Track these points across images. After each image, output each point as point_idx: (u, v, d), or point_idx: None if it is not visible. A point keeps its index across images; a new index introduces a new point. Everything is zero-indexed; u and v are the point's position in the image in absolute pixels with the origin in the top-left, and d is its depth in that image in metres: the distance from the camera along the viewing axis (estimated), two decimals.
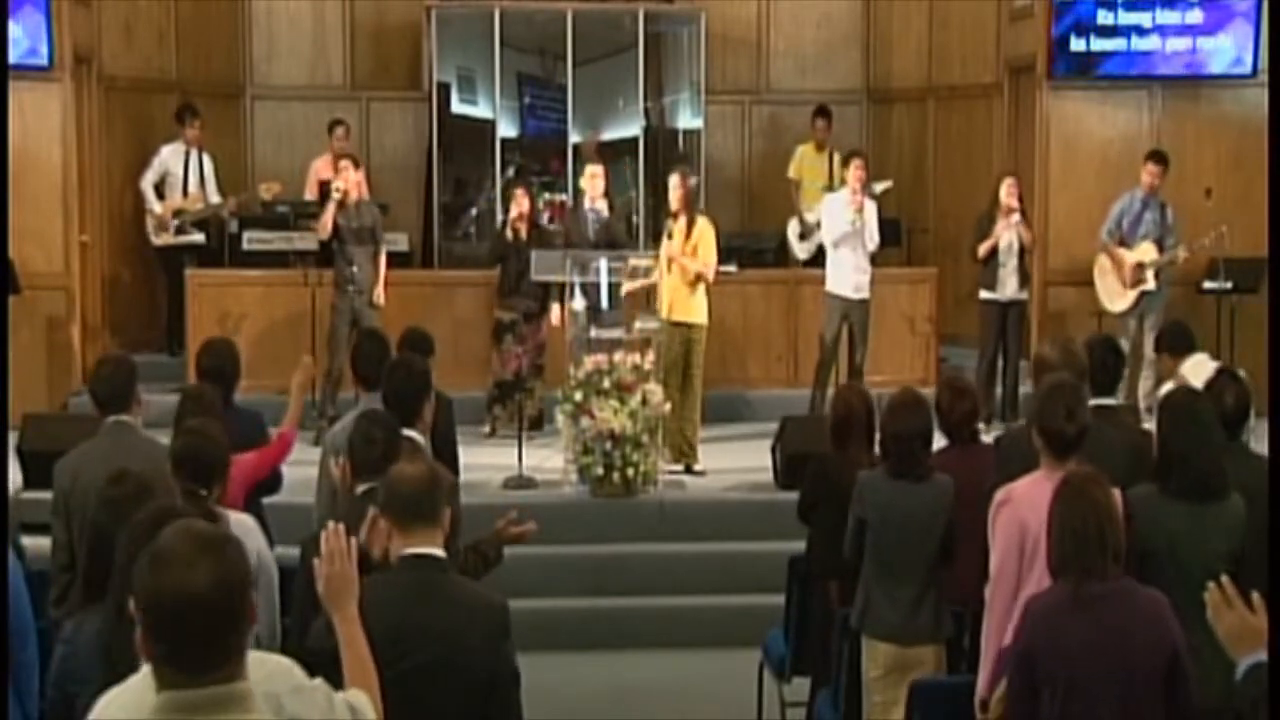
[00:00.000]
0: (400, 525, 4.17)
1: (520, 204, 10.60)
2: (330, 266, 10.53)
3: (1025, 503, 5.03)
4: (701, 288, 9.67)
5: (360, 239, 10.42)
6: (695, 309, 9.61)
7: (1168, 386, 7.19)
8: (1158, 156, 10.84)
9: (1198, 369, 7.34)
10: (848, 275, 10.40)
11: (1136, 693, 4.18)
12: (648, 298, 9.93)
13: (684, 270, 9.55)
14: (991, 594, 5.11)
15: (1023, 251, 10.89)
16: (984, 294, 11.01)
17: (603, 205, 10.70)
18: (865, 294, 10.45)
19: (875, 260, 10.65)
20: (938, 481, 5.64)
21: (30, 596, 4.74)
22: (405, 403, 5.78)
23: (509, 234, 10.61)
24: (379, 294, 10.48)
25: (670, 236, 9.65)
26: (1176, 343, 7.87)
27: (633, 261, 9.83)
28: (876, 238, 10.51)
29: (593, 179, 10.50)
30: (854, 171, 10.44)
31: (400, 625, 4.05)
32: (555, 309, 10.38)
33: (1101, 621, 4.18)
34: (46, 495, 7.45)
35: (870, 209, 10.47)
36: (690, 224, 9.63)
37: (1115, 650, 4.17)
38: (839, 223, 10.39)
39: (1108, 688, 4.18)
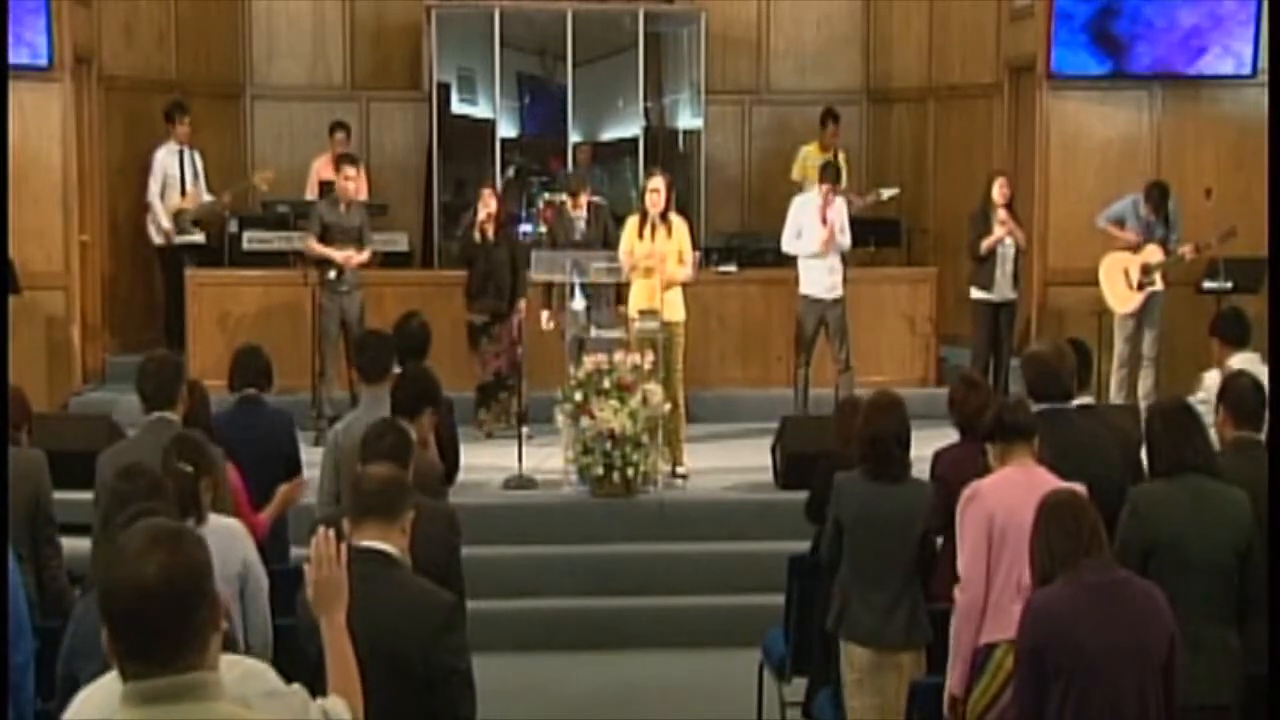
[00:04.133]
0: (355, 520, 4.23)
1: (488, 205, 10.57)
2: (318, 265, 10.51)
3: (992, 496, 5.13)
4: (679, 285, 9.63)
5: (349, 239, 10.43)
6: (675, 307, 9.57)
7: (1212, 374, 7.12)
8: (1162, 192, 10.73)
9: (1247, 367, 7.15)
10: (820, 276, 10.36)
11: (1152, 680, 4.23)
12: (619, 296, 9.85)
13: (665, 273, 9.47)
14: (962, 590, 5.15)
15: (1018, 252, 10.93)
16: (977, 293, 11.02)
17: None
18: (839, 292, 10.40)
19: (847, 260, 10.62)
20: (915, 484, 5.65)
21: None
22: (405, 408, 5.92)
23: (476, 235, 10.60)
24: (353, 254, 10.38)
25: (642, 237, 9.55)
26: (1230, 331, 7.51)
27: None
28: (847, 241, 10.48)
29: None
30: (823, 192, 10.33)
31: None
32: (522, 303, 10.37)
33: (1110, 611, 4.23)
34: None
35: (839, 209, 10.39)
36: (669, 226, 9.59)
37: (1130, 640, 4.22)
38: (807, 239, 10.33)
39: (1126, 674, 4.22)
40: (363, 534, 4.20)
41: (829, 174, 10.56)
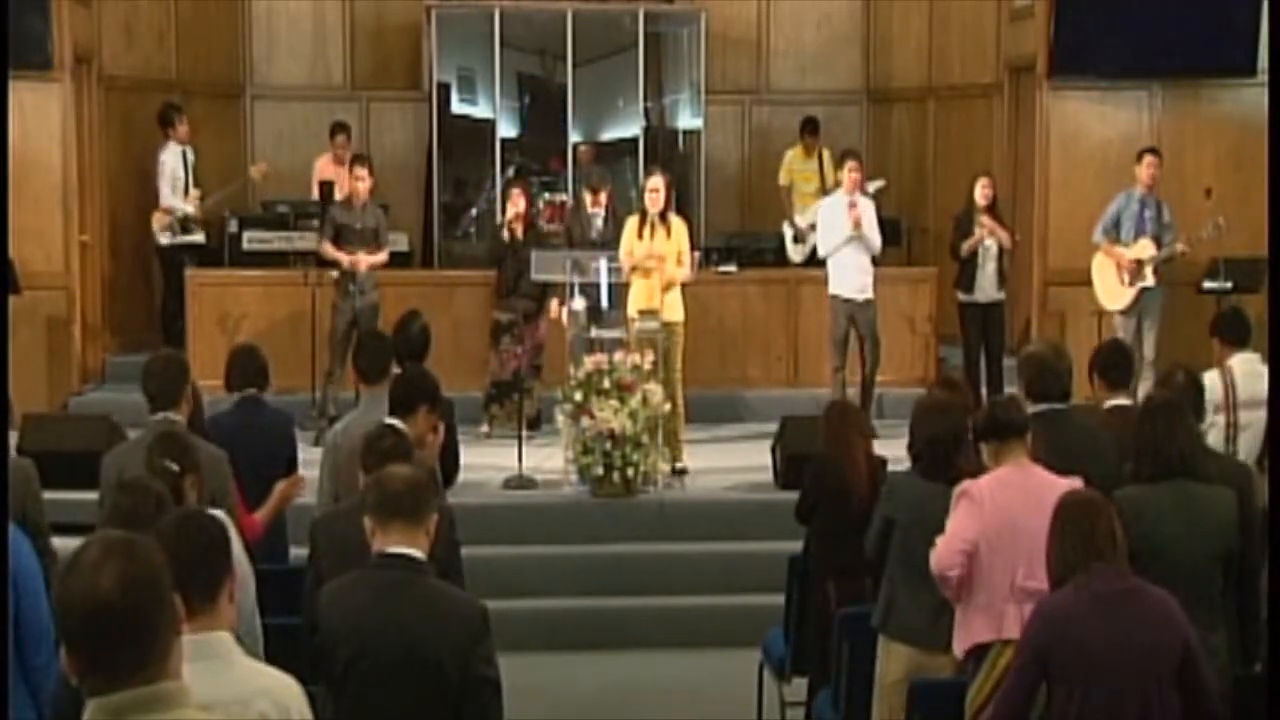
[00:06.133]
0: (380, 522, 4.16)
1: (517, 204, 10.58)
2: (331, 267, 10.51)
3: (987, 496, 5.14)
4: (679, 285, 9.63)
5: (364, 240, 10.42)
6: (675, 307, 9.56)
7: (1212, 375, 7.11)
8: (1153, 150, 10.84)
9: (1247, 368, 7.16)
10: (850, 276, 10.35)
11: (1157, 690, 4.22)
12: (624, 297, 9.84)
13: (664, 273, 9.45)
14: (935, 558, 5.21)
15: (1001, 253, 10.90)
16: (961, 296, 11.02)
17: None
18: (869, 294, 10.40)
19: (877, 260, 10.64)
20: None
21: None
22: (399, 406, 5.92)
23: (505, 235, 10.61)
24: (363, 257, 10.39)
25: (642, 236, 9.54)
26: (1231, 332, 7.43)
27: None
28: (878, 242, 10.49)
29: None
30: (849, 175, 10.41)
31: (366, 623, 4.06)
32: (554, 303, 10.38)
33: (1121, 622, 4.22)
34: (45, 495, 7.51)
35: (869, 212, 10.45)
36: (668, 226, 9.58)
37: (1137, 650, 4.21)
38: (835, 232, 10.36)
39: (1131, 686, 4.21)
40: (388, 537, 4.13)
41: (851, 155, 10.60)
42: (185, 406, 6.01)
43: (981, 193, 10.85)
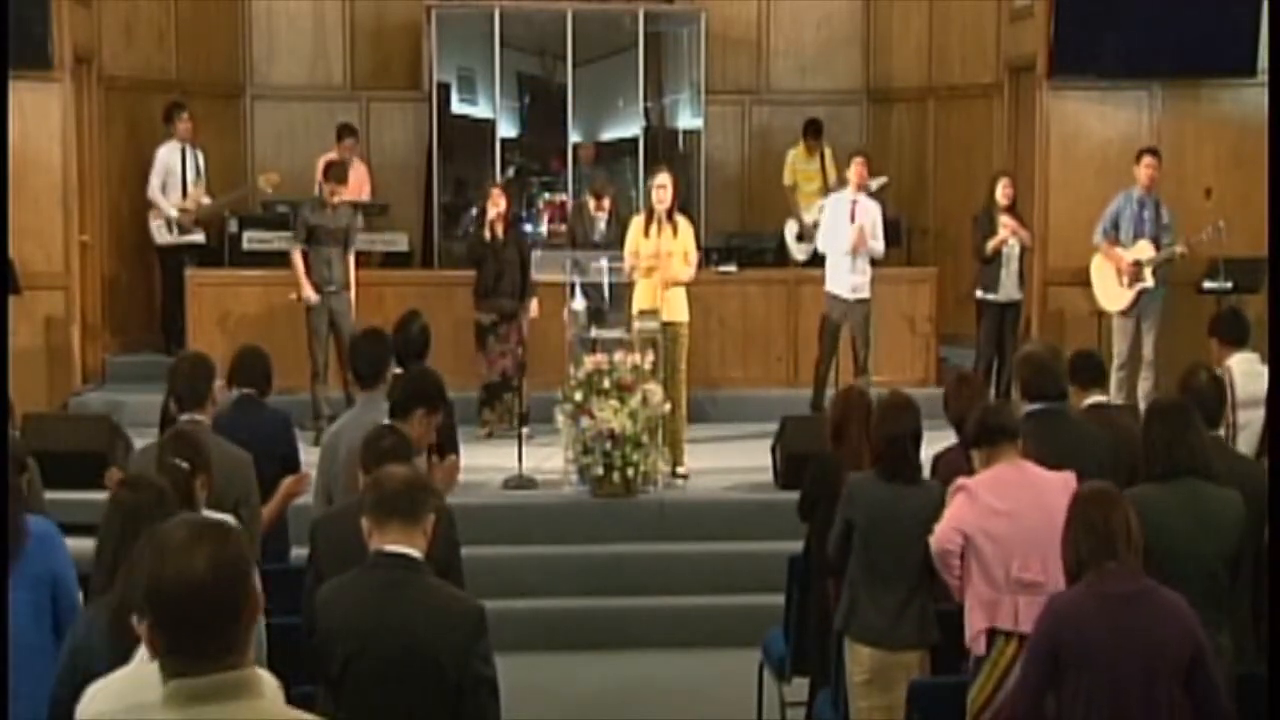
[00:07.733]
0: (378, 522, 4.17)
1: (497, 204, 10.58)
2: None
3: (983, 491, 5.18)
4: (683, 285, 9.62)
5: (335, 239, 10.44)
6: (679, 307, 9.54)
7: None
8: (1152, 150, 10.87)
9: (1246, 368, 7.18)
10: (844, 276, 10.41)
11: (1163, 691, 4.22)
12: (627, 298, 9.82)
13: (670, 272, 9.44)
14: (935, 539, 5.26)
15: (1023, 252, 10.98)
16: (982, 295, 11.05)
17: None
18: (864, 294, 10.44)
19: (877, 261, 10.65)
20: (928, 485, 5.65)
21: None
22: (396, 408, 5.92)
23: (485, 234, 10.61)
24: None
25: (648, 235, 9.51)
26: (1229, 332, 7.47)
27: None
28: (880, 249, 10.57)
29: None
30: (855, 170, 10.50)
31: (364, 622, 4.06)
32: (534, 302, 10.43)
33: (1130, 622, 4.21)
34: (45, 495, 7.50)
35: (873, 213, 10.46)
36: (674, 224, 9.57)
37: (1146, 650, 4.21)
38: (835, 234, 10.41)
39: (1136, 687, 4.21)
40: (385, 537, 4.15)
41: (859, 153, 10.76)
42: (210, 408, 6.06)
43: (1003, 192, 10.92)
